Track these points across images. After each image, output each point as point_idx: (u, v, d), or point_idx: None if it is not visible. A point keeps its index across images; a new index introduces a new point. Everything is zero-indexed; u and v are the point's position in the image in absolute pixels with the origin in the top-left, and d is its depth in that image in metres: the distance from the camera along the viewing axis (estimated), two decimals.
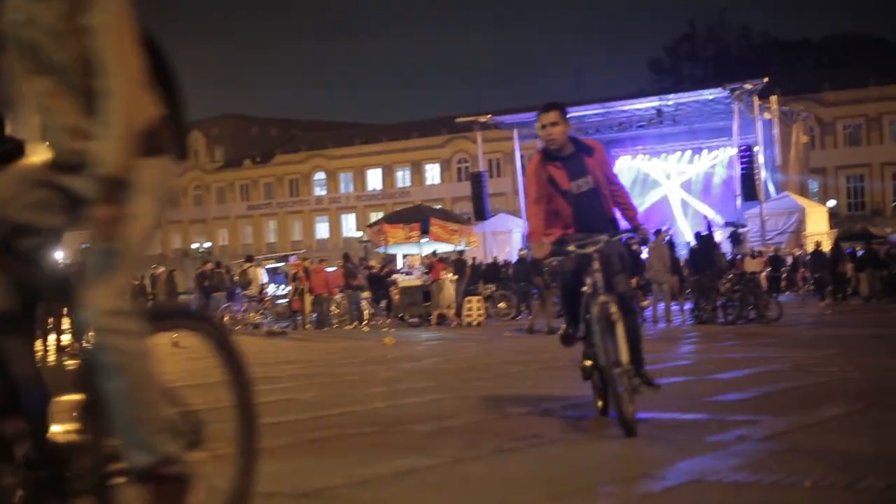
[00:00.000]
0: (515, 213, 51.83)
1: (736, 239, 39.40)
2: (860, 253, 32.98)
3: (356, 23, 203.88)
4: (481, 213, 49.42)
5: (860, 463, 5.44)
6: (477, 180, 50.51)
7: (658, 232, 25.19)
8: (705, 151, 50.37)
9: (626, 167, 50.34)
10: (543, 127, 7.48)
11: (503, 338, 21.62)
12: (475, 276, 33.03)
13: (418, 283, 30.05)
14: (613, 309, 6.93)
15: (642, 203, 47.81)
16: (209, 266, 32.50)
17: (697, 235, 25.78)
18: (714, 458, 5.76)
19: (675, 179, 51.42)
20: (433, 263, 29.14)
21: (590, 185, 7.47)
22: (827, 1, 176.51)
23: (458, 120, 58.23)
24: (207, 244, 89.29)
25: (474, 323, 27.25)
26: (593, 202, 7.50)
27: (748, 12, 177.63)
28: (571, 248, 7.25)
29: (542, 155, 7.61)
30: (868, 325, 20.27)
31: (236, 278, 32.16)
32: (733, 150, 45.12)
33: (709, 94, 44.66)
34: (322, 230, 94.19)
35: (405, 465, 5.73)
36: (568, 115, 7.58)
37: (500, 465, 5.89)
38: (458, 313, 27.89)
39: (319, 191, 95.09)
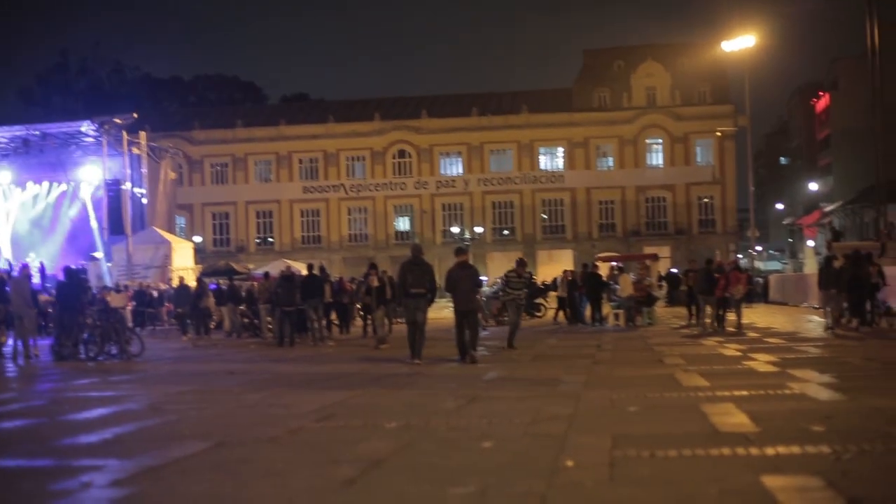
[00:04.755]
0: None
1: (97, 274, 38.94)
2: (224, 288, 34.05)
3: None
4: None
5: None
6: None
7: (24, 267, 24.46)
8: (69, 184, 49.21)
9: None
10: None
11: None
12: None
13: None
14: None
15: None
16: None
17: (66, 270, 25.10)
18: None
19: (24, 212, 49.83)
20: None
21: None
22: (198, 41, 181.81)
23: None
24: None
25: None
26: None
27: (121, 47, 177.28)
28: None
29: None
30: (227, 360, 20.92)
31: None
32: (99, 183, 44.66)
33: (79, 127, 43.87)
34: None
35: None
36: None
37: None
38: None
39: None
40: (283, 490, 6.28)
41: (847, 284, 25.17)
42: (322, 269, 30.44)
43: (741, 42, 56.50)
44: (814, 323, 27.37)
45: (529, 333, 27.85)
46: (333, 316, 30.51)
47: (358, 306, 32.42)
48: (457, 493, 6.02)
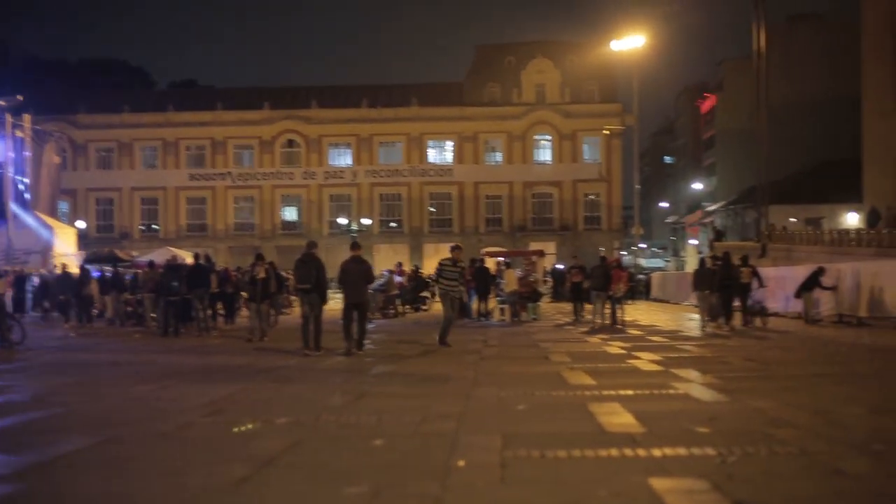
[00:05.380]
0: None
1: None
2: (108, 275, 33.40)
3: None
4: None
5: None
6: None
7: None
8: None
9: None
10: None
11: None
12: None
13: None
14: None
15: None
16: None
17: None
18: None
19: None
20: None
21: None
22: (85, 24, 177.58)
23: None
24: None
25: None
26: None
27: (7, 27, 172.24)
28: None
29: None
30: (111, 349, 20.56)
31: None
32: None
33: None
34: None
35: None
36: None
37: None
38: None
39: None
40: (177, 490, 6.24)
41: (719, 285, 26.11)
42: (208, 258, 30.08)
43: (630, 42, 57.44)
44: (694, 321, 28.03)
45: (414, 327, 27.96)
46: (219, 306, 30.17)
47: (244, 296, 32.16)
48: (351, 494, 6.06)
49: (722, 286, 26.20)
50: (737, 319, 26.81)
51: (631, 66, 61.52)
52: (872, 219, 50.54)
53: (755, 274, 27.49)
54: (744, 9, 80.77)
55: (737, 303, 27.19)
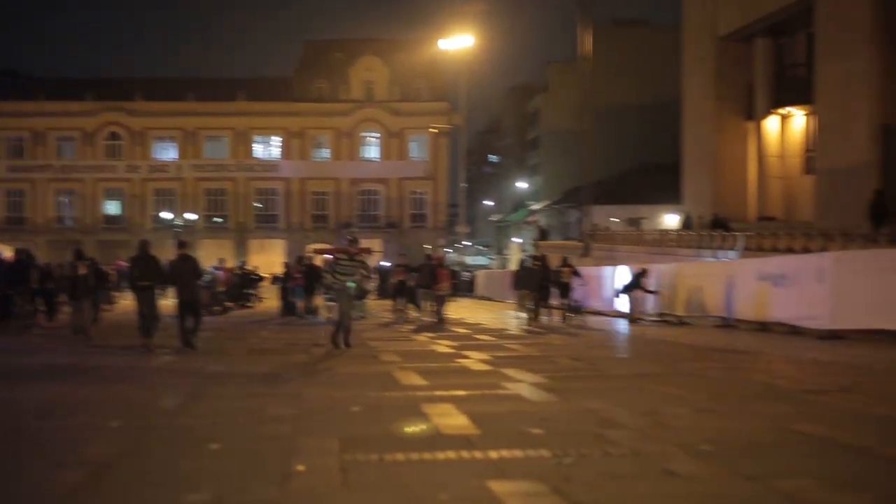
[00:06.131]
0: None
1: None
2: None
3: None
4: None
5: None
6: None
7: None
8: None
9: None
10: None
11: None
12: None
13: None
14: None
15: None
16: None
17: None
18: None
19: None
20: None
21: None
22: None
23: None
24: None
25: None
26: None
27: None
28: None
29: None
30: None
31: None
32: None
33: None
34: None
35: None
36: None
37: None
38: None
39: None
40: (6, 498, 5.99)
41: (537, 285, 27.20)
42: (28, 252, 29.03)
43: (459, 41, 57.96)
44: (520, 319, 28.55)
45: (240, 325, 27.65)
46: (39, 302, 29.10)
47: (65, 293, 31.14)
48: (193, 501, 5.94)
49: (540, 286, 27.25)
50: (556, 316, 28.02)
51: (459, 65, 62.15)
52: (686, 225, 52.54)
53: (575, 273, 28.81)
54: (571, 12, 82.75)
55: (557, 301, 28.44)
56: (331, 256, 42.95)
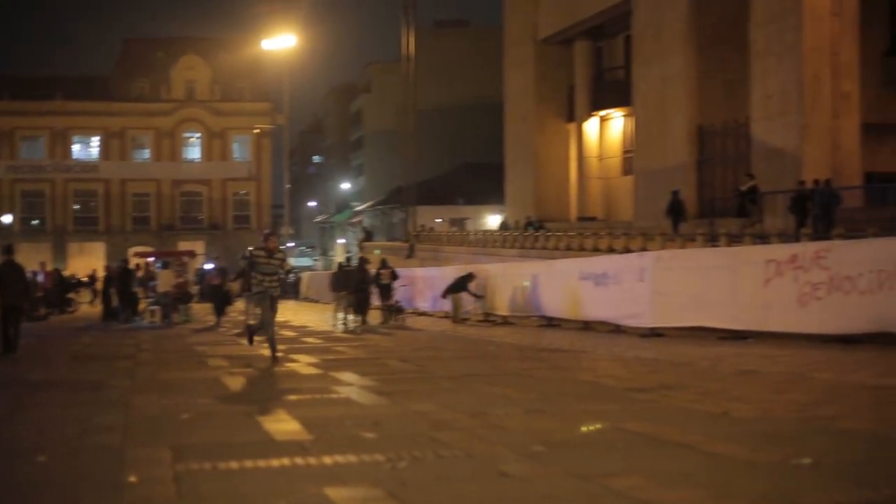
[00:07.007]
0: None
1: None
2: None
3: None
4: None
5: None
6: None
7: None
8: None
9: None
10: None
11: None
12: None
13: None
14: None
15: None
16: None
17: None
18: None
19: None
20: None
21: None
22: None
23: None
24: None
25: None
26: None
27: None
28: None
29: None
30: None
31: None
32: None
33: None
34: None
35: None
36: None
37: None
38: None
39: None
40: None
41: (355, 286, 27.80)
42: None
43: (281, 41, 57.47)
44: (341, 321, 28.58)
45: (60, 331, 26.87)
46: None
47: None
48: None
49: (358, 288, 27.80)
50: (374, 317, 28.61)
51: (282, 65, 61.65)
52: (504, 227, 53.66)
53: (394, 275, 29.83)
54: (393, 13, 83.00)
55: (377, 302, 29.91)
56: (153, 259, 42.22)
